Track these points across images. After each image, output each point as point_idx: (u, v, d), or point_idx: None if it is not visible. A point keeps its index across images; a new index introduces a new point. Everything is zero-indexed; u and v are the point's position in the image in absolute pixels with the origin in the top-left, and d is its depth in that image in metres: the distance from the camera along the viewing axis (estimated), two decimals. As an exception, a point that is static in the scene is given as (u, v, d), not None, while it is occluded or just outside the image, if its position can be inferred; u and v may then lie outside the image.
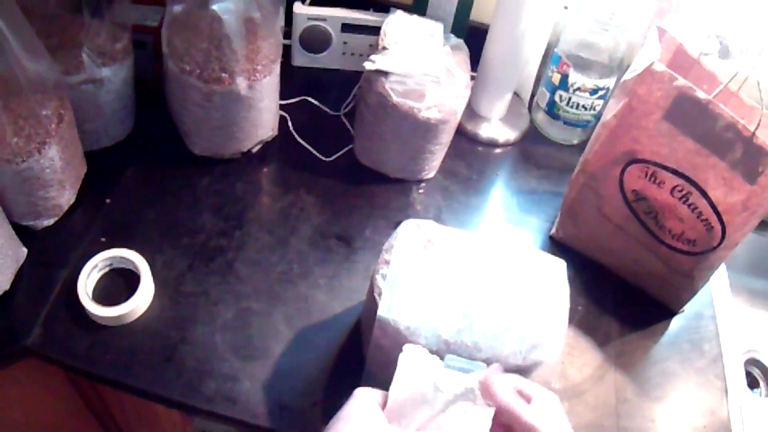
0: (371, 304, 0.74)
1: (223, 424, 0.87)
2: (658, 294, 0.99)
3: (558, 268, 0.78)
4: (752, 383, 1.16)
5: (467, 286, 0.72)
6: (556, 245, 1.04)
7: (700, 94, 0.80)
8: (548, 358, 0.71)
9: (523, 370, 0.71)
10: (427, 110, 0.94)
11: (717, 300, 1.03)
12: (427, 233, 0.76)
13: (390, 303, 0.69)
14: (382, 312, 0.69)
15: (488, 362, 0.68)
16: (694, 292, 0.97)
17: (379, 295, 0.71)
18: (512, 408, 0.60)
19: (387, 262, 0.73)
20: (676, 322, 0.99)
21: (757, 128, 0.78)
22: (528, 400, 0.63)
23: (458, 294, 0.71)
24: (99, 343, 0.81)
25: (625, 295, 1.00)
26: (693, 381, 0.92)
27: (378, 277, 0.72)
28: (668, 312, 1.00)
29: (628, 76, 0.87)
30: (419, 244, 0.74)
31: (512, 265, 0.76)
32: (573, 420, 0.83)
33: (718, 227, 0.85)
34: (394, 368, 0.70)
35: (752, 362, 1.19)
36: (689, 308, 1.00)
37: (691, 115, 0.81)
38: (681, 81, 0.81)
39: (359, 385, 0.71)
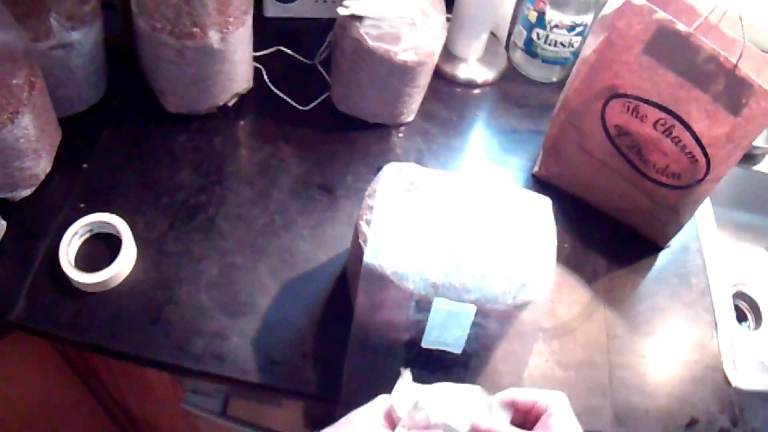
0: (357, 251, 0.73)
1: (214, 383, 0.87)
2: (643, 229, 0.99)
3: (543, 205, 0.77)
4: (740, 317, 1.18)
5: (453, 227, 0.71)
6: (540, 183, 1.03)
7: (681, 27, 0.79)
8: (538, 297, 0.70)
9: (514, 311, 0.70)
10: (403, 53, 0.92)
11: (703, 234, 1.03)
12: (409, 176, 0.75)
13: (376, 249, 0.68)
14: (368, 258, 0.68)
15: (477, 303, 0.68)
16: (679, 226, 0.97)
17: (364, 241, 0.70)
18: None
19: (370, 208, 0.72)
20: (663, 257, 0.99)
21: (739, 60, 0.78)
22: (530, 409, 0.61)
23: (444, 236, 0.70)
24: (84, 311, 0.80)
25: (611, 231, 1.00)
26: (682, 315, 0.93)
27: (362, 223, 0.71)
28: (655, 247, 1.00)
29: (606, 10, 0.85)
30: (402, 188, 0.73)
31: (497, 204, 0.75)
32: (565, 358, 0.85)
33: (702, 160, 0.85)
34: (383, 316, 0.70)
35: (739, 295, 1.20)
36: (675, 242, 1.00)
37: (672, 48, 0.80)
38: (660, 14, 0.80)
39: (348, 336, 0.71)
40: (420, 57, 0.94)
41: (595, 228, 0.99)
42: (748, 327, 1.17)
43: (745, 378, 0.88)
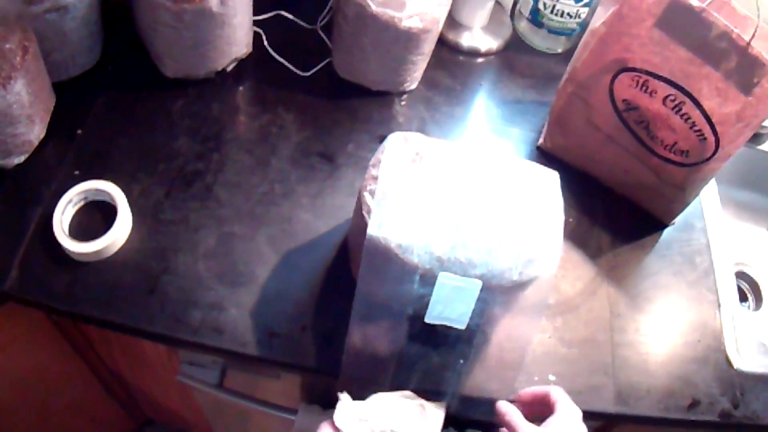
0: (359, 222, 0.72)
1: (211, 355, 0.86)
2: (649, 206, 0.98)
3: (551, 179, 0.75)
4: (740, 297, 1.17)
5: (459, 200, 0.69)
6: (544, 156, 1.01)
7: (694, 2, 0.77)
8: (544, 273, 0.69)
9: (519, 287, 0.69)
10: (408, 19, 0.90)
11: (707, 212, 1.02)
12: (415, 146, 0.72)
13: (380, 220, 0.66)
14: (372, 230, 0.66)
15: (483, 278, 0.66)
16: (685, 204, 0.95)
17: (368, 212, 0.68)
18: None
19: (375, 178, 0.70)
20: (667, 234, 0.98)
21: (752, 39, 0.76)
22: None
23: (450, 208, 0.68)
24: (79, 281, 0.78)
25: (616, 207, 0.98)
26: (685, 294, 0.92)
27: (366, 194, 0.69)
28: (659, 224, 0.98)
29: (619, -19, 0.83)
30: (407, 158, 0.71)
31: (504, 177, 0.73)
32: (568, 335, 0.84)
33: (711, 138, 0.83)
34: (386, 290, 0.68)
35: (740, 275, 1.19)
36: (679, 220, 0.99)
37: (684, 23, 0.79)
38: None
39: (349, 309, 0.69)
40: (425, 24, 0.91)
41: (600, 203, 0.97)
42: (749, 307, 1.17)
43: (747, 360, 0.87)
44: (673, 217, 0.98)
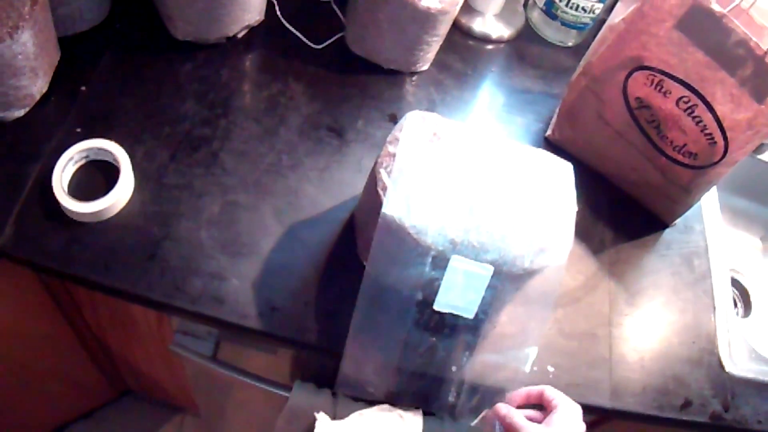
0: (370, 199, 0.71)
1: (208, 326, 0.84)
2: (652, 205, 0.98)
3: (565, 170, 0.75)
4: (729, 303, 1.18)
5: (474, 183, 0.69)
6: (552, 148, 1.00)
7: (716, 7, 0.77)
8: (554, 262, 0.69)
9: (528, 275, 0.68)
10: (428, -1, 0.89)
11: (707, 216, 1.02)
12: (432, 126, 0.71)
13: (395, 199, 0.65)
14: (386, 209, 0.65)
15: (494, 264, 0.66)
16: (689, 206, 0.96)
17: (384, 190, 0.67)
18: None
19: (391, 156, 0.69)
20: (667, 234, 0.98)
21: None
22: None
23: (465, 191, 0.68)
24: (76, 241, 0.76)
25: (620, 203, 0.98)
26: (683, 295, 0.92)
27: (382, 171, 0.68)
28: (660, 223, 0.99)
29: (641, -20, 0.83)
30: (425, 138, 0.70)
31: (518, 164, 0.73)
32: (568, 327, 0.84)
33: (721, 143, 0.84)
34: (397, 271, 0.67)
35: (731, 282, 1.20)
36: (679, 222, 0.99)
37: (704, 27, 0.79)
38: None
39: (354, 288, 0.68)
40: (444, 5, 0.90)
41: (604, 198, 0.97)
42: (737, 314, 1.17)
43: (738, 365, 0.88)
44: (675, 218, 0.98)
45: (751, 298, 1.19)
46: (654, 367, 0.84)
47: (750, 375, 0.87)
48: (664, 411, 0.81)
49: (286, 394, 0.82)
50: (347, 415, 0.78)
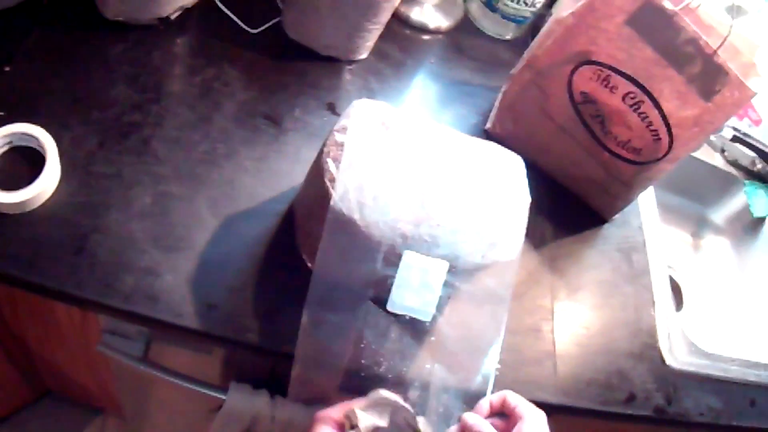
0: (315, 191, 0.67)
1: (140, 325, 0.79)
2: (592, 200, 0.98)
3: (516, 164, 0.74)
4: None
5: (424, 175, 0.66)
6: (491, 140, 0.98)
7: (667, 4, 0.78)
8: (507, 257, 0.67)
9: (482, 269, 0.66)
10: (372, -15, 0.86)
11: (644, 211, 1.03)
12: (380, 116, 0.69)
13: (344, 190, 0.62)
14: (336, 201, 0.62)
15: (447, 259, 0.64)
16: (629, 202, 0.97)
17: (332, 181, 0.63)
18: None
19: (338, 145, 0.65)
20: (606, 230, 0.99)
21: (719, 47, 0.78)
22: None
23: (416, 184, 0.65)
24: (-3, 234, 0.69)
25: (559, 198, 0.98)
26: (623, 290, 0.93)
27: (329, 161, 0.65)
28: (599, 219, 0.99)
29: (592, -26, 0.82)
30: (373, 127, 0.67)
31: (468, 156, 0.71)
32: (513, 323, 0.83)
33: (665, 139, 0.85)
34: (347, 268, 0.64)
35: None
36: (617, 217, 1.00)
37: (655, 24, 0.79)
38: None
39: (295, 283, 0.64)
40: (388, -7, 0.87)
41: (545, 193, 0.96)
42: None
43: (678, 358, 0.89)
44: (614, 214, 0.99)
45: (683, 294, 1.22)
46: (597, 362, 0.84)
47: (691, 369, 0.89)
48: (610, 405, 0.81)
49: (220, 396, 0.78)
50: (286, 417, 0.75)
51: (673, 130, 0.83)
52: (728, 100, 0.80)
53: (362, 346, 0.65)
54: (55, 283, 0.68)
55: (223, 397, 0.77)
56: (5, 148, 0.74)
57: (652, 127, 0.84)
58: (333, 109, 0.92)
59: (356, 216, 0.62)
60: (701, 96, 0.81)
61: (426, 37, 1.09)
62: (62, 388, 1.36)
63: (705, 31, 0.80)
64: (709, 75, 0.79)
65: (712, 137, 1.21)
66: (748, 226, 1.28)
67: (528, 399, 0.67)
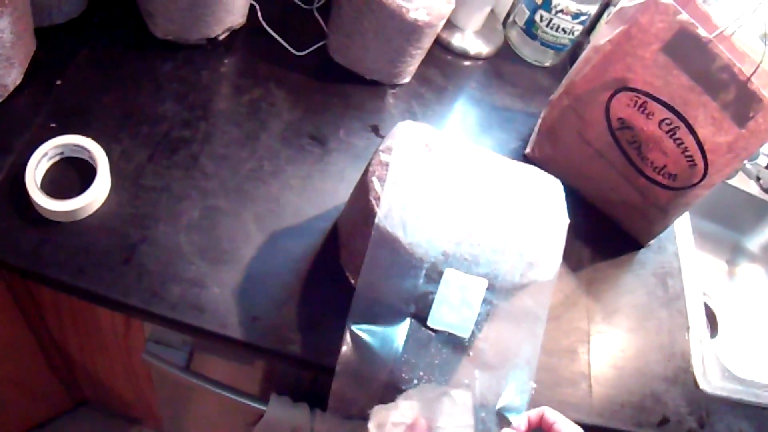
0: (360, 209, 0.69)
1: (186, 334, 0.81)
2: (629, 225, 0.99)
3: (554, 187, 0.75)
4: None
5: (466, 196, 0.68)
6: (531, 165, 1.01)
7: (702, 32, 0.79)
8: (545, 277, 0.68)
9: (520, 289, 0.68)
10: (415, 11, 0.88)
11: (679, 237, 1.04)
12: (423, 137, 0.70)
13: (389, 209, 0.64)
14: (380, 219, 0.63)
15: (487, 277, 0.65)
16: (665, 227, 0.97)
17: (377, 200, 0.65)
18: None
19: (383, 165, 0.67)
20: (642, 254, 0.99)
21: (753, 74, 0.79)
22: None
23: (457, 204, 0.67)
24: (48, 241, 0.72)
25: (597, 222, 0.99)
26: (657, 314, 0.93)
27: (374, 180, 0.67)
28: (636, 244, 1.00)
29: (628, 2, 0.84)
30: (417, 149, 0.69)
31: (509, 179, 0.72)
32: (549, 344, 0.84)
33: (701, 165, 0.85)
34: (390, 284, 0.65)
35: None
36: (653, 242, 1.00)
37: (690, 52, 0.80)
38: (684, 16, 0.80)
39: (338, 298, 0.65)
40: (431, 18, 0.90)
41: (582, 217, 0.97)
42: (705, 335, 1.19)
43: (712, 383, 0.89)
44: (651, 239, 0.99)
45: (718, 320, 1.21)
46: (632, 384, 0.85)
47: (723, 393, 0.89)
48: (643, 428, 0.82)
49: (260, 407, 0.80)
50: (325, 430, 0.76)
51: (708, 156, 0.84)
52: (762, 126, 0.81)
53: (402, 360, 0.66)
54: (103, 289, 0.71)
55: (264, 408, 0.79)
56: (57, 159, 0.77)
57: (687, 153, 0.85)
58: (377, 131, 0.94)
59: (400, 233, 0.63)
60: (735, 122, 0.82)
61: (467, 63, 1.12)
62: (99, 398, 1.38)
63: (739, 58, 0.82)
64: (743, 101, 0.80)
65: (748, 165, 1.21)
66: (783, 254, 1.27)
67: (562, 419, 0.68)
